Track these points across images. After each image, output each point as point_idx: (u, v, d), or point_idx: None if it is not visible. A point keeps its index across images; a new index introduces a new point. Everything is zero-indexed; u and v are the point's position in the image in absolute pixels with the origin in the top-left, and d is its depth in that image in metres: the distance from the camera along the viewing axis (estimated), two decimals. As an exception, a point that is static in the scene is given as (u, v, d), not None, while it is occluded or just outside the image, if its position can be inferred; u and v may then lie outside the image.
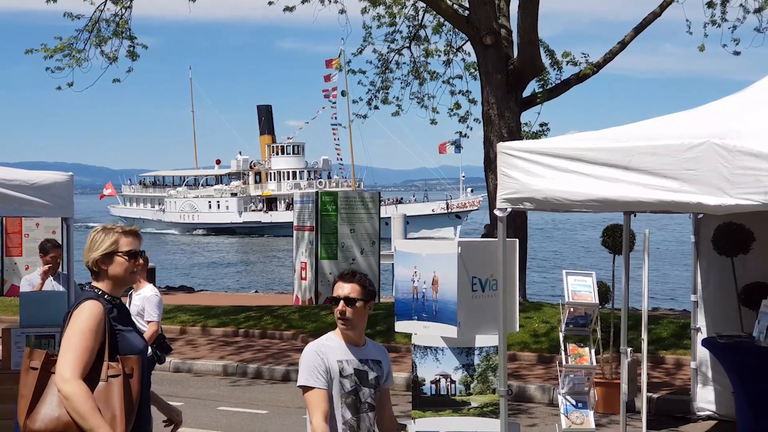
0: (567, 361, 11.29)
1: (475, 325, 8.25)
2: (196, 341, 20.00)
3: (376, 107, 26.07)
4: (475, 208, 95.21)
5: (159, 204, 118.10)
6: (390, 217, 31.32)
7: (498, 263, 8.31)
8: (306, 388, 5.98)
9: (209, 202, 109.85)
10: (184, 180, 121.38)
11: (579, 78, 22.54)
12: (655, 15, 21.99)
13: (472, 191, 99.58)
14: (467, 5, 21.44)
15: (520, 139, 20.37)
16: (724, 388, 12.39)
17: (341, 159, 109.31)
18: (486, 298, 8.32)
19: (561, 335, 11.57)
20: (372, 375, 6.14)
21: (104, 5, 22.59)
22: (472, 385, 8.30)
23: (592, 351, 11.43)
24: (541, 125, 24.05)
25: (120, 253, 5.58)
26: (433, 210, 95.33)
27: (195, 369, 17.43)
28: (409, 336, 8.82)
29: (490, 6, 20.79)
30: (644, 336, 12.63)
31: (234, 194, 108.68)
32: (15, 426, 9.81)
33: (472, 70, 24.68)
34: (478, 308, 8.26)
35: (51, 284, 11.98)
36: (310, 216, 23.74)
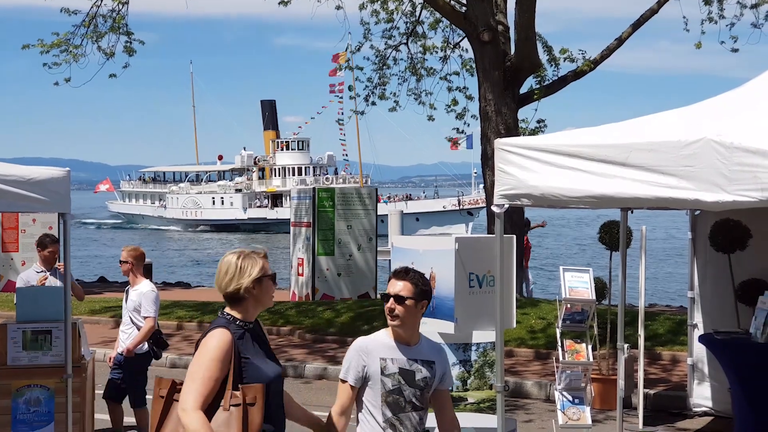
0: (564, 357, 11.30)
1: (472, 321, 8.26)
2: (193, 337, 19.96)
3: (373, 103, 26.05)
4: None
5: (160, 200, 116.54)
6: (387, 215, 31.19)
7: (495, 259, 8.31)
8: (340, 380, 6.12)
9: (213, 198, 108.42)
10: (186, 176, 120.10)
11: (576, 74, 22.51)
12: (652, 12, 21.97)
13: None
14: (464, 2, 21.42)
15: (518, 135, 20.36)
16: (721, 384, 12.39)
17: (347, 155, 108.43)
18: (483, 294, 8.32)
19: (558, 331, 11.57)
20: (420, 375, 6.02)
21: (101, 1, 22.57)
22: (469, 381, 8.30)
23: (589, 347, 11.44)
24: (538, 122, 24.02)
25: (267, 277, 5.67)
26: (444, 207, 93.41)
27: (192, 365, 17.40)
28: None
29: (488, 2, 20.77)
30: (641, 332, 12.68)
31: (238, 190, 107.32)
32: (12, 422, 9.82)
33: (470, 67, 24.66)
34: (475, 304, 8.27)
35: (48, 280, 11.98)
36: (307, 212, 23.74)
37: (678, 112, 9.05)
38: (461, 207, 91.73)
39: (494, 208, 8.51)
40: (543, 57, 22.79)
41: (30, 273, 12.35)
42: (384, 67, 25.71)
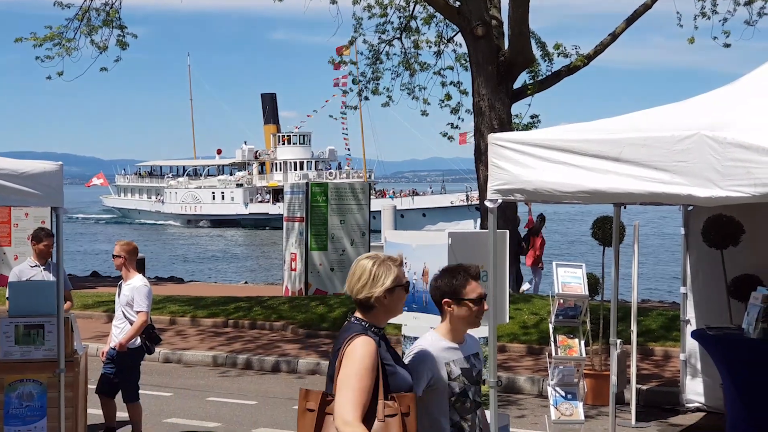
0: (557, 353, 11.31)
1: (465, 316, 8.25)
2: (186, 332, 19.98)
3: (366, 98, 26.04)
4: None
5: (157, 195, 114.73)
6: (380, 211, 31.18)
7: (488, 254, 8.31)
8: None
9: (213, 193, 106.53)
10: (184, 170, 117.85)
11: (570, 70, 22.54)
12: (645, 7, 21.99)
13: None
14: (458, -4, 21.41)
15: (511, 130, 20.37)
16: (713, 379, 12.41)
17: (349, 149, 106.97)
18: (476, 290, 8.31)
19: (551, 326, 11.58)
20: (476, 370, 5.95)
21: (94, -6, 22.53)
22: (461, 376, 8.29)
23: (582, 342, 11.45)
24: (531, 117, 24.07)
25: (401, 287, 5.52)
26: (452, 202, 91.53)
27: (184, 359, 17.41)
28: (399, 327, 8.83)
29: (481, -3, 20.79)
30: (633, 328, 12.69)
31: (240, 185, 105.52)
32: (5, 417, 9.80)
33: (463, 62, 24.66)
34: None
35: (42, 275, 11.95)
36: (300, 207, 23.75)
37: (671, 108, 9.05)
38: (469, 202, 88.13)
39: (487, 203, 8.50)
40: (536, 52, 22.82)
41: (23, 267, 12.32)
42: (377, 62, 25.70)
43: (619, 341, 11.56)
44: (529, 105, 23.83)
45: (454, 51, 25.40)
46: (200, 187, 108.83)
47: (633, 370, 12.74)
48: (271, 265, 54.11)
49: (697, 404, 13.03)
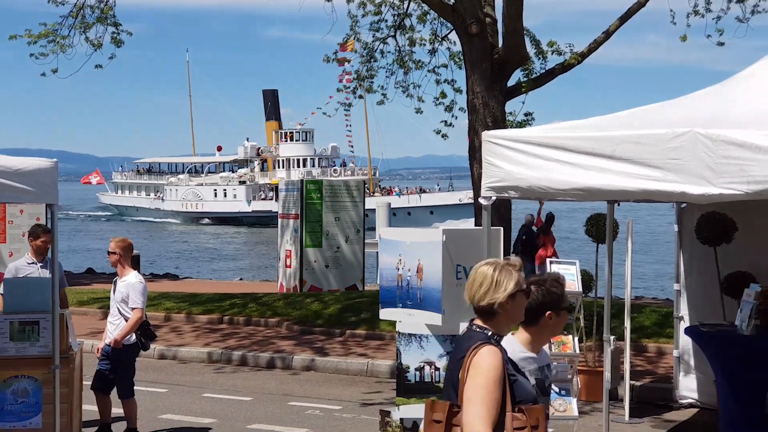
0: (550, 349, 11.33)
1: (460, 312, 8.28)
2: (181, 328, 19.99)
3: (360, 96, 26.03)
4: None
5: (156, 192, 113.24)
6: (375, 209, 31.15)
7: (482, 251, 8.34)
8: None
9: (215, 190, 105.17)
10: (184, 167, 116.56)
11: (564, 67, 22.52)
12: (639, 5, 21.98)
13: None
14: (452, -6, 21.42)
15: (505, 128, 20.38)
16: (706, 376, 12.44)
17: (353, 146, 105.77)
18: (470, 286, 8.34)
19: (545, 323, 11.59)
20: (548, 381, 5.88)
21: (88, -9, 22.50)
22: (456, 373, 8.33)
23: (576, 339, 11.48)
24: (525, 115, 24.04)
25: (522, 292, 5.37)
26: (460, 200, 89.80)
27: (180, 356, 17.43)
28: (393, 323, 8.86)
29: (476, -5, 20.79)
30: (627, 324, 12.72)
31: (242, 182, 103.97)
32: (0, 413, 9.82)
33: (457, 59, 24.65)
34: (462, 296, 8.26)
35: (39, 271, 11.95)
36: (294, 204, 23.75)
37: (665, 105, 9.09)
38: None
39: (481, 200, 8.54)
40: (531, 50, 22.81)
41: (20, 263, 12.32)
42: (371, 59, 25.69)
43: (612, 338, 11.59)
44: (523, 103, 23.83)
45: (449, 49, 25.38)
46: (202, 185, 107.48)
47: (627, 367, 12.78)
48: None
49: (690, 400, 13.07)
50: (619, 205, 11.58)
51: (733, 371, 11.04)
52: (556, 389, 11.16)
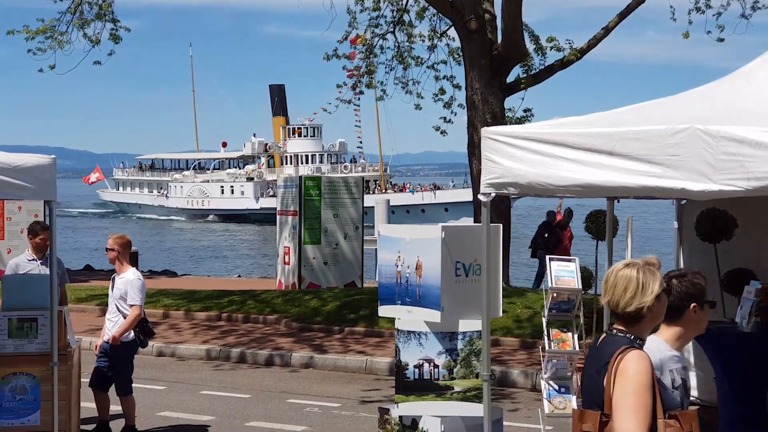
0: (550, 346, 11.30)
1: (459, 309, 8.26)
2: (179, 325, 19.98)
3: (361, 92, 26.02)
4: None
5: (160, 188, 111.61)
6: (374, 206, 31.12)
7: (482, 248, 8.31)
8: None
9: (221, 187, 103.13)
10: (188, 163, 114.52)
11: (563, 64, 22.55)
12: (638, 1, 21.99)
13: None
14: (452, -10, 21.40)
15: (504, 124, 20.37)
16: (706, 373, 12.41)
17: (362, 142, 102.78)
18: (469, 283, 8.33)
19: (544, 320, 11.58)
20: (687, 382, 5.62)
21: (87, -13, 22.48)
22: (455, 370, 8.31)
23: (575, 336, 11.45)
24: (525, 111, 24.09)
25: (664, 291, 5.21)
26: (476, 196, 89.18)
27: (178, 353, 17.42)
28: (392, 320, 8.83)
29: (475, -9, 20.78)
30: (627, 321, 12.67)
31: (250, 178, 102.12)
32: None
33: (456, 56, 24.65)
34: (461, 293, 8.28)
35: (39, 268, 11.93)
36: (293, 201, 23.74)
37: (664, 101, 9.06)
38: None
39: (481, 197, 8.51)
40: (530, 46, 22.82)
41: (20, 260, 12.30)
42: (371, 55, 25.68)
43: (612, 335, 11.55)
44: (522, 99, 23.87)
45: (448, 45, 25.40)
46: (208, 181, 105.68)
47: (626, 364, 12.73)
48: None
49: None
50: (618, 201, 11.56)
51: (733, 369, 11.02)
52: (556, 387, 11.15)
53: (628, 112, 8.71)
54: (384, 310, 8.57)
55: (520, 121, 23.31)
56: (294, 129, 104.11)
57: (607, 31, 22.37)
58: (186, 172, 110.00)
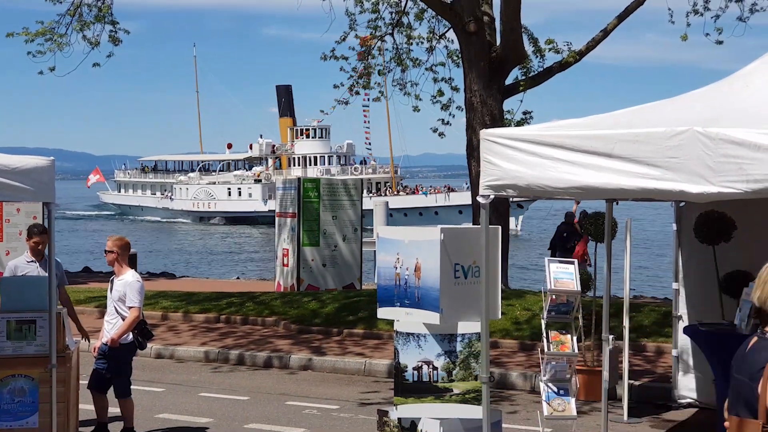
0: (549, 349, 11.31)
1: (458, 311, 8.26)
2: (178, 327, 19.96)
3: (357, 93, 26.00)
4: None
5: (164, 190, 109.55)
6: (372, 209, 31.07)
7: (481, 250, 8.31)
8: None
9: (228, 189, 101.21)
10: (192, 165, 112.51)
11: (562, 66, 22.56)
12: (637, 3, 22.01)
13: None
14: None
15: (503, 126, 20.38)
16: (705, 375, 12.43)
17: (370, 143, 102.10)
18: (468, 285, 8.32)
19: (543, 322, 11.58)
20: None
21: (86, -10, 22.50)
22: (454, 372, 8.30)
23: (574, 338, 11.45)
24: (524, 113, 24.10)
25: None
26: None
27: (177, 355, 17.40)
28: (391, 322, 8.83)
29: (474, -7, 20.80)
30: (626, 324, 12.71)
31: (258, 180, 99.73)
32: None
33: (455, 58, 24.66)
34: (460, 295, 8.27)
35: (37, 270, 11.92)
36: (292, 203, 23.73)
37: (663, 104, 9.07)
38: (511, 199, 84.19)
39: (480, 199, 8.51)
40: (528, 48, 22.84)
41: (19, 262, 12.29)
42: (369, 57, 25.68)
43: (611, 337, 11.57)
44: (521, 101, 23.88)
45: (446, 47, 25.41)
46: (214, 183, 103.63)
47: (625, 366, 12.76)
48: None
49: (689, 400, 13.05)
50: (617, 203, 11.57)
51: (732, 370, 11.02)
52: (555, 389, 11.14)
53: (626, 115, 8.72)
54: (383, 312, 8.57)
55: (519, 123, 23.33)
56: (302, 130, 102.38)
57: (605, 33, 22.39)
58: (191, 174, 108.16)
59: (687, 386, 13.05)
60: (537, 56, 23.60)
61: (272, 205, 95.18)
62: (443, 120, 25.33)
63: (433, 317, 8.12)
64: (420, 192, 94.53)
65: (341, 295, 21.90)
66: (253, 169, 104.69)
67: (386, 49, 25.81)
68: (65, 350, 10.21)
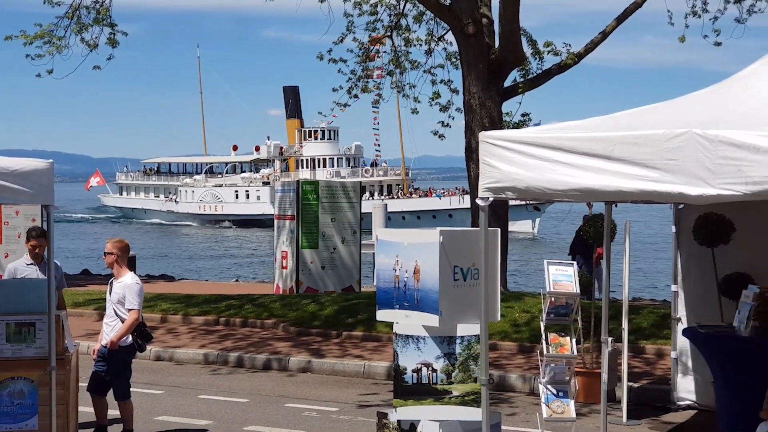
0: (548, 351, 11.31)
1: (457, 314, 8.26)
2: (177, 329, 19.96)
3: (356, 96, 25.96)
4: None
5: (168, 193, 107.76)
6: (371, 213, 31.02)
7: (480, 252, 8.31)
8: None
9: (236, 191, 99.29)
10: (197, 167, 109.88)
11: (560, 68, 22.56)
12: (636, 5, 22.01)
13: None
14: (449, -6, 21.42)
15: (502, 128, 20.37)
16: (704, 377, 12.43)
17: (379, 145, 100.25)
18: (467, 287, 8.33)
19: (542, 324, 11.59)
20: None
21: (84, -8, 22.48)
22: (453, 374, 8.31)
23: (573, 340, 11.46)
24: (522, 115, 24.09)
25: None
26: (509, 202, 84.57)
27: (176, 357, 17.40)
28: (390, 325, 8.82)
29: (472, -5, 20.81)
30: (625, 326, 12.71)
31: (266, 183, 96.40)
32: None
33: (454, 60, 24.66)
34: (459, 297, 8.27)
35: (37, 273, 11.92)
36: (291, 205, 23.72)
37: (662, 106, 9.07)
38: (527, 202, 77.89)
39: (479, 201, 8.51)
40: (527, 50, 22.84)
41: (19, 264, 12.29)
42: (367, 59, 25.67)
43: (610, 339, 11.58)
44: (520, 103, 23.87)
45: (445, 49, 25.40)
46: (221, 185, 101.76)
47: (624, 368, 12.76)
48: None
49: (688, 402, 13.05)
50: (616, 206, 11.57)
51: (730, 372, 11.03)
52: (554, 391, 11.15)
53: (625, 117, 8.73)
54: (382, 315, 8.57)
55: (517, 125, 23.32)
56: (310, 131, 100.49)
57: (604, 35, 22.40)
58: (197, 176, 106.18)
59: (686, 388, 13.05)
60: (536, 58, 23.60)
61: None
62: (443, 122, 25.33)
63: (433, 319, 8.13)
64: (433, 194, 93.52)
65: (340, 297, 21.90)
66: (261, 171, 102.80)
67: (385, 52, 25.80)
68: (65, 352, 10.21)
